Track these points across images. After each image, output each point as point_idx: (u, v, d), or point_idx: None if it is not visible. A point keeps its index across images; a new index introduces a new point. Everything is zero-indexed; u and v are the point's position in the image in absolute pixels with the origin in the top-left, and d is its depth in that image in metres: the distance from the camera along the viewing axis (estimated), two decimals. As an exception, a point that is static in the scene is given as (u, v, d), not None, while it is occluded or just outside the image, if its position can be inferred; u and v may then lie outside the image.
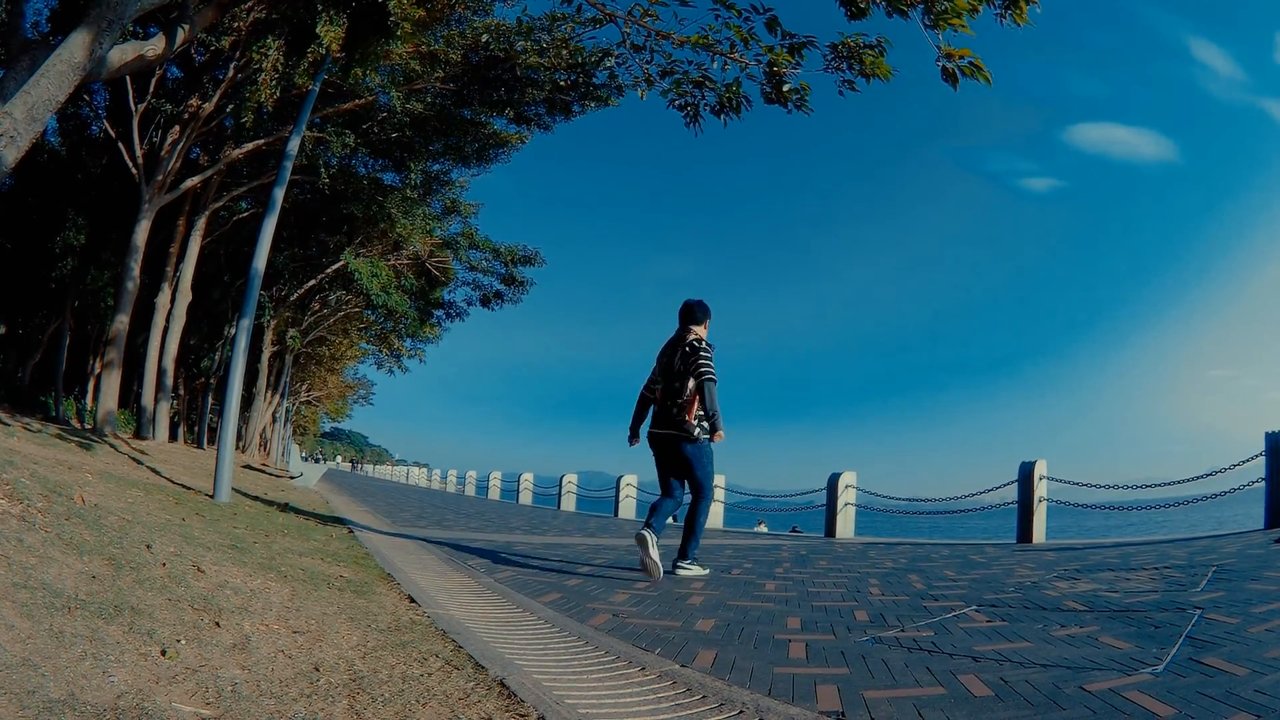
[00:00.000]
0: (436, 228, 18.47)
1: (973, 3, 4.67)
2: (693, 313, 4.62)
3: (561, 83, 12.39)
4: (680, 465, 4.46)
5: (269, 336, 22.25)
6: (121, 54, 5.65)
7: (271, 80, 9.74)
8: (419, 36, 9.10)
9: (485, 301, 22.13)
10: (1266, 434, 6.53)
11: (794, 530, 14.35)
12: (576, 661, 2.41)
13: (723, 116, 5.94)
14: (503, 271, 21.23)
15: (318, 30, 7.87)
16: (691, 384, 4.37)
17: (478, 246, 20.65)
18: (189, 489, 6.66)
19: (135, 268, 13.03)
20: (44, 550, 2.42)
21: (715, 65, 5.70)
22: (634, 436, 4.67)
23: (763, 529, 13.39)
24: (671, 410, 4.42)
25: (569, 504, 15.06)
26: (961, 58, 4.76)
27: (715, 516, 11.25)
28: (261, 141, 14.08)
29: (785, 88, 5.49)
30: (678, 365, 4.46)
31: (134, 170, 13.19)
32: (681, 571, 4.44)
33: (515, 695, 1.95)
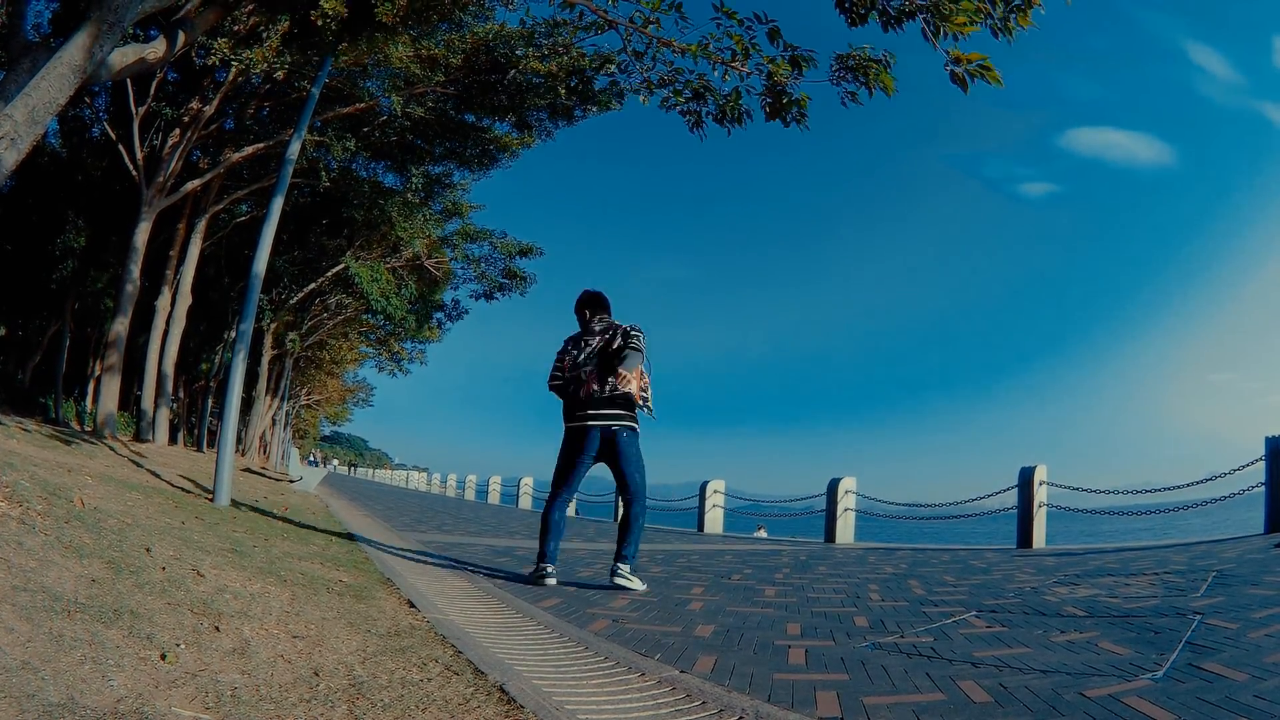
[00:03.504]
0: (436, 228, 18.48)
1: (973, 15, 4.68)
2: (606, 302, 4.46)
3: (562, 91, 12.45)
4: (616, 459, 4.20)
5: (269, 340, 22.26)
6: (122, 57, 5.66)
7: (269, 55, 9.86)
8: (406, 27, 9.14)
9: (489, 296, 22.09)
10: (1266, 438, 6.54)
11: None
12: (576, 667, 2.41)
13: (725, 125, 5.95)
14: (502, 264, 21.24)
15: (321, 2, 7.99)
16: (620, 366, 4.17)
17: (475, 239, 20.67)
18: (188, 492, 6.65)
19: (135, 270, 13.04)
20: (44, 553, 2.42)
21: (716, 74, 5.71)
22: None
23: (762, 534, 13.37)
24: (612, 395, 4.16)
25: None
26: (971, 61, 4.76)
27: (715, 521, 11.20)
28: (262, 145, 14.10)
29: (784, 100, 5.50)
30: (618, 345, 4.22)
31: (134, 173, 13.20)
32: (621, 580, 4.15)
33: (515, 700, 1.95)
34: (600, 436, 4.19)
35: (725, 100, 5.85)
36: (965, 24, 4.68)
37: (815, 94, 5.60)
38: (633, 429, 4.23)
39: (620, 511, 4.32)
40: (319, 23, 8.34)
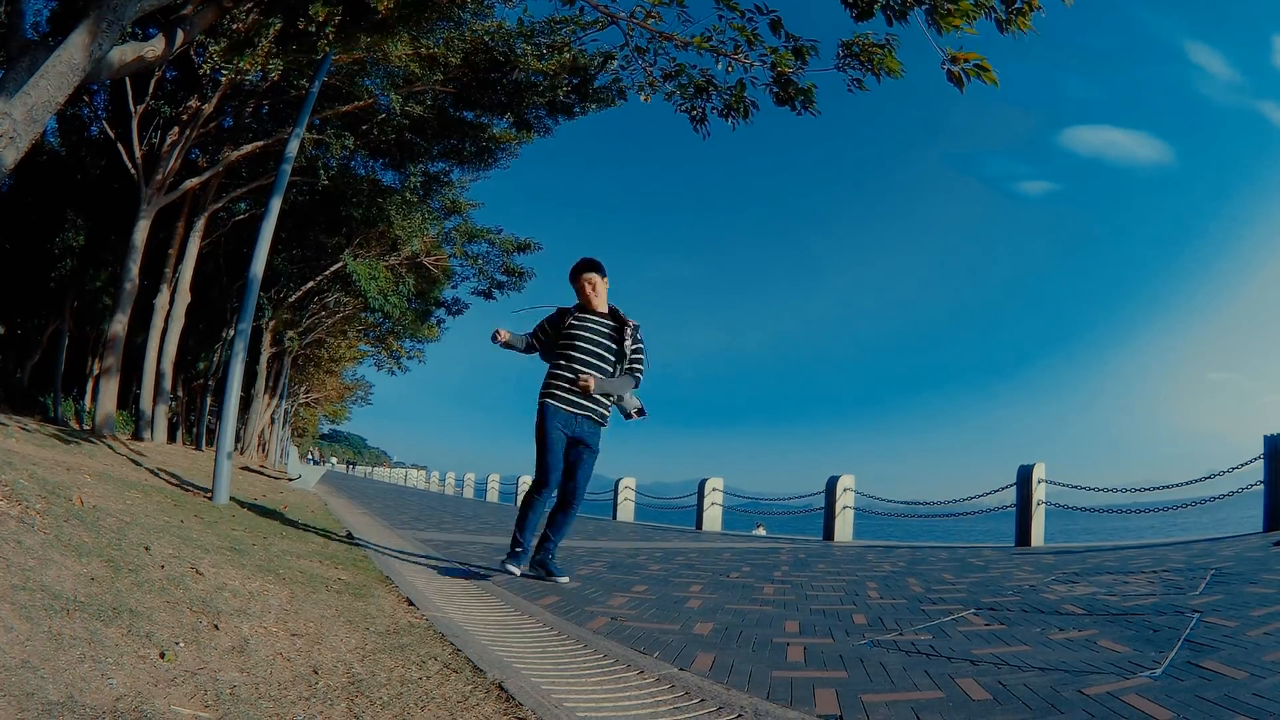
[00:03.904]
0: (434, 226, 18.47)
1: (971, 13, 4.68)
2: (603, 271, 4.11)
3: (561, 91, 12.43)
4: (586, 455, 4.03)
5: (267, 338, 22.24)
6: (121, 55, 5.65)
7: (258, 60, 9.86)
8: (404, 26, 9.13)
9: (488, 294, 22.07)
10: (1265, 437, 6.55)
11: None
12: (575, 664, 2.41)
13: (731, 120, 5.94)
14: (501, 261, 21.24)
15: (311, 13, 8.00)
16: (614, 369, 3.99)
17: (474, 237, 20.66)
18: (187, 490, 6.65)
19: (134, 269, 13.03)
20: (43, 552, 2.42)
21: (720, 67, 5.71)
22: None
23: (761, 532, 13.39)
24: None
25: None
26: (968, 60, 4.76)
27: (713, 519, 11.22)
28: (260, 143, 14.09)
29: (791, 89, 5.50)
30: (628, 347, 4.01)
31: (133, 171, 13.19)
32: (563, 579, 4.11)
33: (513, 698, 1.95)
34: None
35: (730, 92, 5.84)
36: (961, 24, 4.69)
37: (821, 87, 5.61)
38: None
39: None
40: (308, 28, 8.33)
